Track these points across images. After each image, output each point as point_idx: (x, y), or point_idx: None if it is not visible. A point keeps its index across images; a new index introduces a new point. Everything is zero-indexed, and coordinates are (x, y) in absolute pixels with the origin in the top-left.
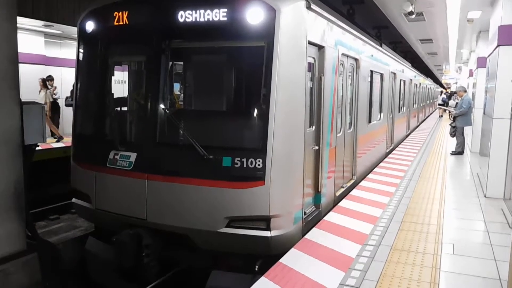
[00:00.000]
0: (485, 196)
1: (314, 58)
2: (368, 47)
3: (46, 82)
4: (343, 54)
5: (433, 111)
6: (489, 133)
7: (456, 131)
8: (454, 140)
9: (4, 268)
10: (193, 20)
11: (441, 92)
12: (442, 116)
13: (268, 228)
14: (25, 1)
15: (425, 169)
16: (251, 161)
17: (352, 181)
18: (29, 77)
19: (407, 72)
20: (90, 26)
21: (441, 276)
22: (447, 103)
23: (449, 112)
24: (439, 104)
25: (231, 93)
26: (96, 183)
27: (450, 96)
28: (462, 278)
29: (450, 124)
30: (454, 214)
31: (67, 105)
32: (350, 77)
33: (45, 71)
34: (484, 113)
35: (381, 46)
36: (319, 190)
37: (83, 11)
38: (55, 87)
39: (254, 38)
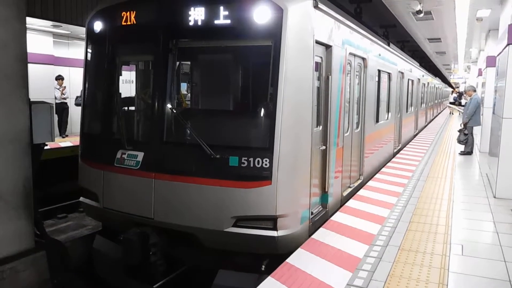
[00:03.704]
0: (494, 197)
1: (321, 57)
2: (376, 46)
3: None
4: (350, 54)
5: (442, 111)
6: (499, 133)
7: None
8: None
9: (13, 266)
10: (200, 19)
11: (452, 91)
12: (452, 113)
13: (274, 228)
14: (34, 1)
15: (433, 169)
16: (258, 161)
17: (359, 181)
18: (37, 77)
19: (415, 71)
20: (98, 26)
21: (449, 277)
22: (459, 102)
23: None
24: (450, 103)
25: (238, 93)
26: (103, 182)
27: (460, 95)
28: (471, 279)
29: (458, 130)
30: (462, 214)
31: (77, 104)
32: (357, 76)
33: (53, 71)
34: (493, 112)
35: (388, 45)
36: (326, 190)
37: (91, 11)
38: (65, 87)
39: (261, 37)
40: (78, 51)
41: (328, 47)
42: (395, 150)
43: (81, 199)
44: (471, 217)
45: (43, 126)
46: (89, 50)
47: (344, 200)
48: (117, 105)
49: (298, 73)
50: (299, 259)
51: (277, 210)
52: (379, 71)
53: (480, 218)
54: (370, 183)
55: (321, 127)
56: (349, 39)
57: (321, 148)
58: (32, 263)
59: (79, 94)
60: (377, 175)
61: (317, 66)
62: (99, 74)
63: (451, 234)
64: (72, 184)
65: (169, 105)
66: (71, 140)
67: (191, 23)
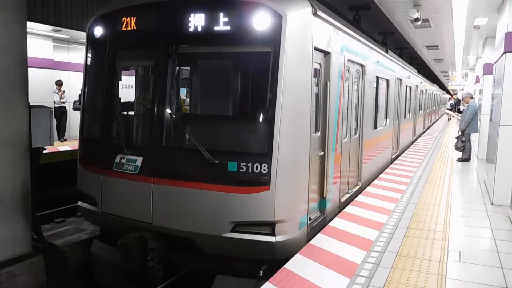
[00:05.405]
0: (492, 203)
1: (320, 64)
2: (374, 53)
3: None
4: (349, 60)
5: (439, 117)
6: (496, 140)
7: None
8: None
9: (10, 270)
10: (200, 25)
11: (449, 98)
12: (450, 119)
13: (273, 233)
14: (35, 6)
15: (431, 175)
16: (257, 166)
17: (357, 187)
18: (37, 81)
19: (413, 78)
20: (98, 31)
21: (447, 283)
22: (455, 108)
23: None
24: (448, 109)
25: (237, 98)
26: (102, 187)
27: (458, 102)
28: (468, 286)
29: (456, 137)
30: (460, 221)
31: (74, 109)
32: (355, 83)
33: (53, 75)
34: (490, 119)
35: (387, 52)
36: (324, 196)
37: (92, 16)
38: (64, 91)
39: (261, 44)
40: (78, 55)
41: (326, 53)
42: (393, 156)
43: (79, 203)
44: (469, 223)
45: (42, 130)
46: (89, 55)
47: (342, 206)
48: (116, 109)
49: (297, 80)
50: (297, 264)
51: (275, 215)
52: (377, 77)
53: (477, 225)
54: (368, 189)
55: (319, 133)
56: (348, 46)
57: (319, 153)
58: (30, 268)
59: (77, 99)
60: (375, 181)
61: (316, 73)
62: (99, 79)
63: (449, 240)
64: (70, 188)
65: (168, 110)
66: (70, 144)
67: (191, 29)
